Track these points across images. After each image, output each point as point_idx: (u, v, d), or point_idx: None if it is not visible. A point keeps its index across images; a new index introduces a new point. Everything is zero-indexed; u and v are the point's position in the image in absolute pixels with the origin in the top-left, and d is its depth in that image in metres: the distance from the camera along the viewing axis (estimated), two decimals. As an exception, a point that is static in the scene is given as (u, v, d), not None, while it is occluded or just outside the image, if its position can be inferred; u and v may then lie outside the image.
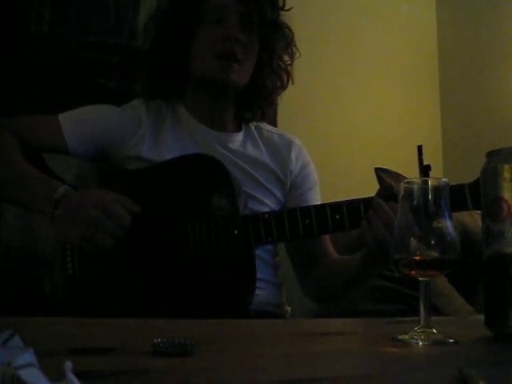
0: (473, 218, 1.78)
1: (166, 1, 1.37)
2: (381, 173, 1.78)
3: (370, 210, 1.05)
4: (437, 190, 0.70)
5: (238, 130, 1.37)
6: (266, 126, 1.43)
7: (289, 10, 1.36)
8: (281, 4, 1.34)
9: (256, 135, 1.38)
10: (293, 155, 1.37)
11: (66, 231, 1.10)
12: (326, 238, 1.34)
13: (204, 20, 1.27)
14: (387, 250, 1.02)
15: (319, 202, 1.34)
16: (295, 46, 1.37)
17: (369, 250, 1.08)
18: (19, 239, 1.23)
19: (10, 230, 1.24)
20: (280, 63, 1.37)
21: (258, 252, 1.21)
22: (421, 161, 0.96)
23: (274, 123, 1.55)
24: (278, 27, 1.34)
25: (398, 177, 1.70)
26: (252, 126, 1.40)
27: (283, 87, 1.39)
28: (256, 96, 1.36)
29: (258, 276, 1.15)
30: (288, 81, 1.38)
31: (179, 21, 1.29)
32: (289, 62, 1.37)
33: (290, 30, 1.36)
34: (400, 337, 0.68)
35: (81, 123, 1.28)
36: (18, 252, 1.22)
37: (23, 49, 1.81)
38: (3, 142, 1.23)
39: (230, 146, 1.32)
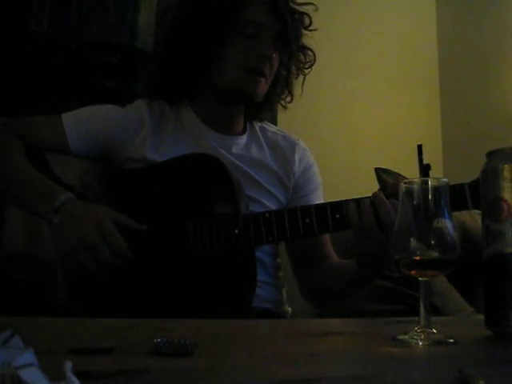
0: (473, 218, 1.78)
1: (187, 4, 1.30)
2: (381, 173, 1.78)
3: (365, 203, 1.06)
4: (437, 189, 0.70)
5: (244, 130, 1.37)
6: (270, 127, 1.42)
7: (314, 30, 1.33)
8: (307, 23, 1.32)
9: (260, 136, 1.37)
10: (296, 157, 1.36)
11: (62, 243, 1.09)
12: (327, 240, 1.34)
13: (234, 32, 1.25)
14: (375, 241, 1.03)
15: None
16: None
17: (357, 241, 1.08)
18: (23, 245, 1.22)
19: (14, 236, 1.22)
20: (293, 79, 1.37)
21: (258, 254, 1.20)
22: (421, 160, 0.96)
23: (273, 123, 1.55)
24: (303, 48, 1.34)
25: (398, 177, 1.70)
26: (257, 125, 1.39)
27: (291, 100, 1.39)
28: (266, 104, 1.36)
29: (257, 278, 1.14)
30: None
31: (208, 29, 1.25)
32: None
33: (312, 51, 1.36)
34: (400, 337, 0.68)
35: (83, 123, 1.28)
36: (22, 259, 1.21)
37: (23, 48, 1.81)
38: (6, 143, 1.22)
39: (234, 149, 1.31)
